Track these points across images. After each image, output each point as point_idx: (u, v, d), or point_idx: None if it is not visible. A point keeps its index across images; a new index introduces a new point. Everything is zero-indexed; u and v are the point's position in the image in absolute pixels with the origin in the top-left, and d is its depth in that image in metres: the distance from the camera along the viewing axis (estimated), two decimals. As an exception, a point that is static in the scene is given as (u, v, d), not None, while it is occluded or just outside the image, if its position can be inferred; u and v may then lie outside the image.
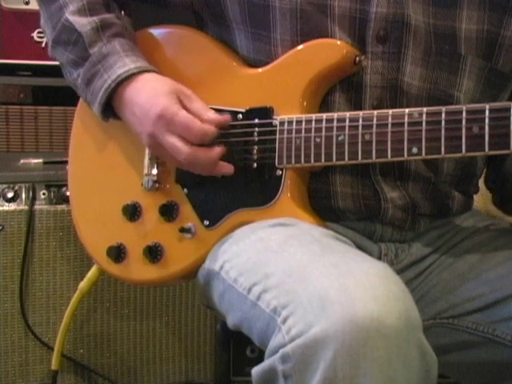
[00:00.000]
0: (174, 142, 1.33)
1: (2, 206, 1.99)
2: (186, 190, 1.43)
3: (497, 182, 1.50)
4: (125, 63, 1.39)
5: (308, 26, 1.33)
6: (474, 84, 1.36)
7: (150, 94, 1.36)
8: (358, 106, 1.32)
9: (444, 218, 1.44)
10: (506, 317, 1.31)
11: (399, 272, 1.38)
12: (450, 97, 1.34)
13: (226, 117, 1.36)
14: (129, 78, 1.38)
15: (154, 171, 1.46)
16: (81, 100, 1.56)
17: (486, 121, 1.15)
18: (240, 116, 1.37)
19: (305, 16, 1.33)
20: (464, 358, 1.38)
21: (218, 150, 1.34)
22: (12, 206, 2.00)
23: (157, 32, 1.53)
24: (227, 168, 1.36)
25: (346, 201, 1.35)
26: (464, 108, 1.18)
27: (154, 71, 1.41)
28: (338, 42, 1.31)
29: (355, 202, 1.35)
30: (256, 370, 1.09)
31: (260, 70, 1.38)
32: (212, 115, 1.35)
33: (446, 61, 1.34)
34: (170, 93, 1.35)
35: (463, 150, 1.18)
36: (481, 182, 1.53)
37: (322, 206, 1.36)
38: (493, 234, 1.44)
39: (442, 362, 1.31)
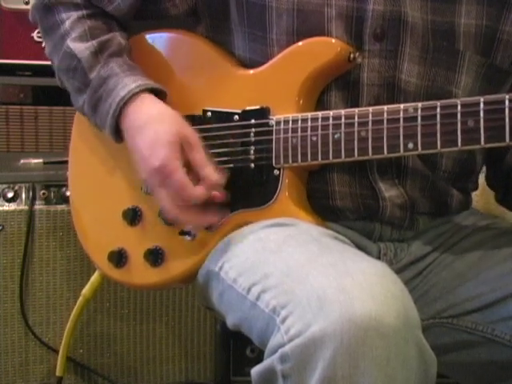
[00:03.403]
0: (163, 198, 1.32)
1: (2, 206, 1.99)
2: None
3: (499, 178, 1.50)
4: (125, 84, 1.37)
5: (305, 26, 1.33)
6: (473, 80, 1.36)
7: (152, 138, 1.33)
8: (354, 104, 1.32)
9: (443, 216, 1.44)
10: (506, 316, 1.31)
11: (398, 271, 1.38)
12: (448, 93, 1.34)
13: (222, 177, 1.33)
14: (131, 98, 1.36)
15: None
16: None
17: (481, 114, 1.15)
18: (236, 117, 1.37)
19: (301, 16, 1.33)
20: (463, 357, 1.38)
21: (208, 220, 1.35)
22: (12, 206, 1.99)
23: (151, 36, 1.52)
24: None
25: (345, 200, 1.35)
26: (459, 102, 1.18)
27: (154, 89, 1.38)
28: (333, 40, 1.32)
29: (353, 202, 1.35)
30: (255, 370, 1.10)
31: (255, 70, 1.38)
32: (209, 173, 1.32)
33: (443, 57, 1.34)
34: (173, 143, 1.31)
35: (459, 144, 1.18)
36: (481, 181, 1.53)
37: (321, 205, 1.36)
38: (492, 233, 1.44)
39: (441, 361, 1.31)
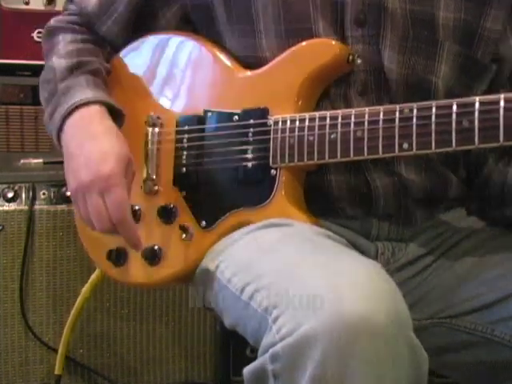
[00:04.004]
0: (96, 205, 1.34)
1: (2, 206, 1.99)
2: (183, 192, 1.43)
3: (475, 188, 1.49)
4: (85, 93, 1.41)
5: (290, 14, 1.34)
6: (450, 70, 1.36)
7: (107, 147, 1.36)
8: (344, 93, 1.33)
9: (440, 206, 1.44)
10: (505, 317, 1.31)
11: (396, 271, 1.39)
12: (427, 82, 1.34)
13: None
14: (85, 105, 1.39)
15: (153, 175, 1.46)
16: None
17: (476, 114, 1.15)
18: (236, 117, 1.38)
19: (286, 5, 1.34)
20: (463, 358, 1.37)
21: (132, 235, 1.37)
22: (12, 206, 2.00)
23: (156, 38, 1.53)
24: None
25: (341, 191, 1.35)
26: (454, 102, 1.17)
27: (112, 106, 1.42)
28: (333, 42, 1.32)
29: (349, 191, 1.35)
30: (247, 369, 1.09)
31: (256, 71, 1.39)
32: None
33: (423, 46, 1.34)
34: (123, 161, 1.35)
35: (453, 145, 1.17)
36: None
37: (318, 197, 1.36)
38: (491, 234, 1.44)
39: (441, 361, 1.31)
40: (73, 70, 1.45)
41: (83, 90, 1.41)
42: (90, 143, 1.37)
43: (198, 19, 1.48)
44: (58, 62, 1.47)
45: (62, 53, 1.49)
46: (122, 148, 1.37)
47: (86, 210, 1.36)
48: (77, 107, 1.39)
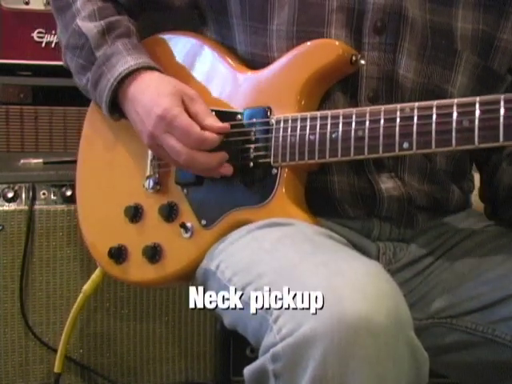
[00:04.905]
0: (173, 144, 1.33)
1: (2, 206, 1.98)
2: (185, 190, 1.43)
3: (488, 193, 1.49)
4: (126, 61, 1.41)
5: (305, 16, 1.34)
6: (467, 80, 1.37)
7: (154, 93, 1.37)
8: (353, 97, 1.33)
9: (442, 212, 1.44)
10: (506, 317, 1.30)
11: (397, 271, 1.39)
12: (443, 92, 1.34)
13: (226, 125, 1.35)
14: (130, 74, 1.40)
15: (156, 173, 1.47)
16: (91, 103, 1.59)
17: (477, 114, 1.15)
18: (239, 117, 1.38)
19: (303, 6, 1.34)
20: (464, 357, 1.37)
21: (219, 157, 1.34)
22: (12, 206, 1.99)
23: (162, 38, 1.55)
24: (226, 169, 1.36)
25: (344, 192, 1.35)
26: (455, 102, 1.17)
27: (155, 68, 1.42)
28: (336, 43, 1.32)
29: (352, 193, 1.36)
30: (248, 370, 1.10)
31: (260, 71, 1.39)
32: (211, 122, 1.34)
33: (441, 55, 1.34)
34: (173, 94, 1.35)
35: (453, 144, 1.17)
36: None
37: (320, 198, 1.36)
38: (492, 235, 1.44)
39: (441, 361, 1.31)
40: (104, 33, 1.45)
41: (124, 58, 1.41)
42: (142, 97, 1.38)
43: (210, 7, 1.48)
44: (85, 26, 1.47)
45: (83, 14, 1.48)
46: (170, 84, 1.38)
47: (169, 156, 1.36)
48: (126, 76, 1.40)
